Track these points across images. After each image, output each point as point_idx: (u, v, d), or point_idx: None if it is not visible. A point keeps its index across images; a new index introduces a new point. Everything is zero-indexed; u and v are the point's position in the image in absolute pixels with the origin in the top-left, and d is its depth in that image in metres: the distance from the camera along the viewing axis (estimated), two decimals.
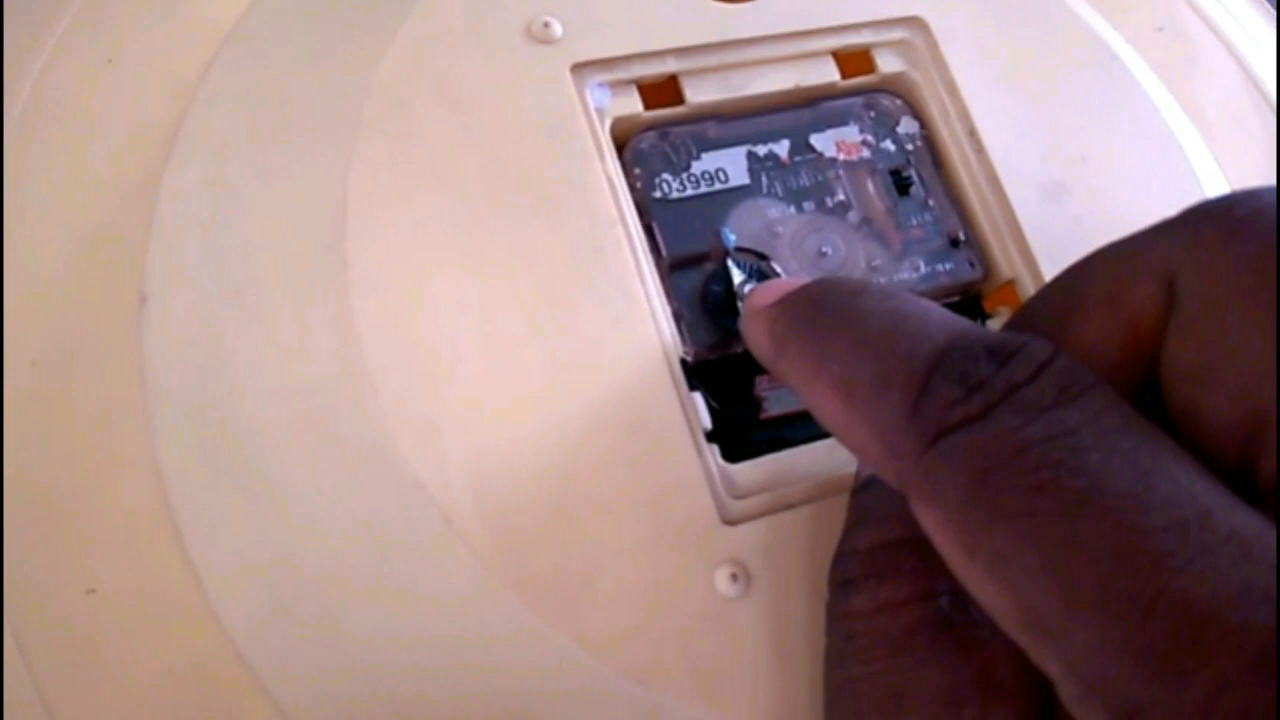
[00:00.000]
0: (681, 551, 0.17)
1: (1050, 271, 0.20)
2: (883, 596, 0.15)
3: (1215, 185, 0.22)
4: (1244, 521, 0.11)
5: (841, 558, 0.16)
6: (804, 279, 0.17)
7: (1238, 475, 0.13)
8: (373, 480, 0.17)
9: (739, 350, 0.19)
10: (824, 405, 0.15)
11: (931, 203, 0.21)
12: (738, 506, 0.17)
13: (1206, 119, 0.24)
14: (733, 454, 0.18)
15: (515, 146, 0.19)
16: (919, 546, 0.14)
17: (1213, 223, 0.14)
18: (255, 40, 0.20)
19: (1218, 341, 0.13)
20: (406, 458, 0.16)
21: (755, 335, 0.17)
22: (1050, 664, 0.12)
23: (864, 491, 0.16)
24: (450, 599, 0.16)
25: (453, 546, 0.16)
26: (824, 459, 0.18)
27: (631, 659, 0.16)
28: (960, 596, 0.14)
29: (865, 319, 0.14)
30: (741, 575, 0.17)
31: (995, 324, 0.20)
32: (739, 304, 0.19)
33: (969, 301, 0.21)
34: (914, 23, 0.22)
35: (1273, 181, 0.24)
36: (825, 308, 0.15)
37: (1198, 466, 0.12)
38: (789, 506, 0.18)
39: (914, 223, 0.21)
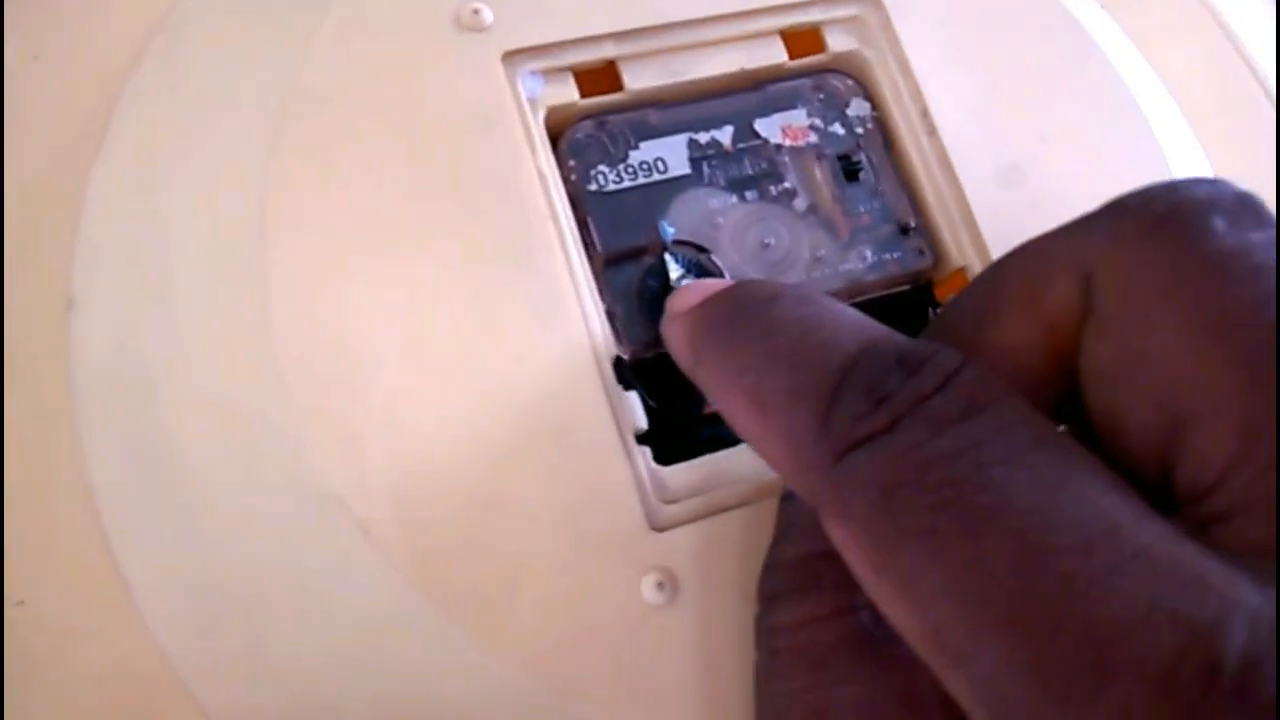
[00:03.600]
0: (608, 559, 0.17)
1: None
2: (805, 611, 0.15)
3: (1190, 165, 0.22)
4: (1153, 537, 0.11)
5: (768, 570, 0.16)
6: (726, 282, 0.17)
7: (1157, 482, 0.13)
8: (291, 491, 0.16)
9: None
10: (739, 417, 0.14)
11: (881, 189, 0.20)
12: (667, 512, 0.17)
13: (1190, 93, 0.23)
14: (673, 453, 0.18)
15: (443, 141, 0.18)
16: (838, 560, 0.14)
17: (1130, 218, 0.13)
18: (182, 34, 0.19)
19: (1135, 343, 0.12)
20: (324, 469, 0.16)
21: (674, 341, 0.16)
22: (959, 688, 0.12)
23: (789, 501, 0.16)
24: (369, 612, 0.16)
25: (371, 559, 0.16)
26: (759, 461, 0.18)
27: (554, 670, 0.16)
28: (879, 612, 0.14)
29: (778, 327, 0.14)
30: (669, 583, 0.17)
31: None
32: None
33: (920, 290, 0.20)
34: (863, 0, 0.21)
35: (1258, 158, 0.23)
36: (740, 315, 0.15)
37: (1110, 478, 0.12)
38: (722, 510, 0.17)
39: (862, 210, 0.20)
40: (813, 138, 0.20)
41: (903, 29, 0.21)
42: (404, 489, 0.16)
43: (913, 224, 0.20)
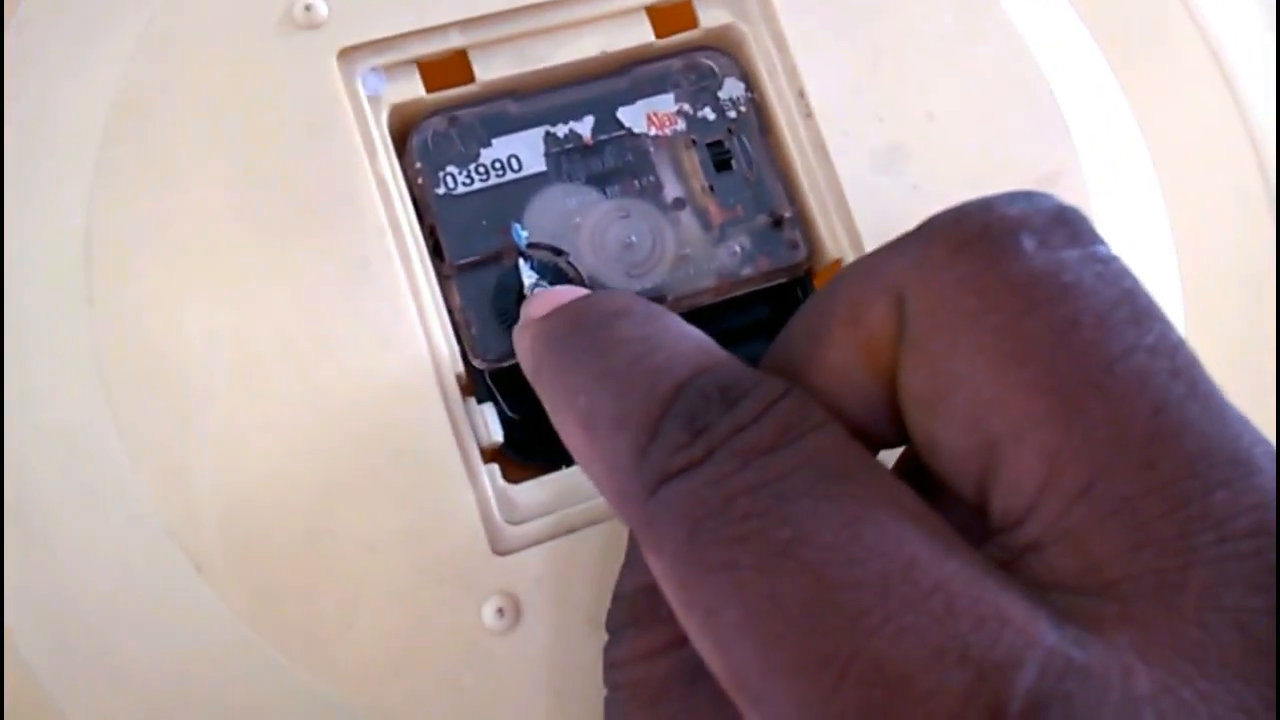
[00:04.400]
0: (447, 586, 0.16)
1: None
2: (642, 645, 0.14)
3: (1098, 139, 0.20)
4: (952, 571, 0.11)
5: (615, 602, 0.15)
6: (579, 291, 0.16)
7: (978, 509, 0.12)
8: (125, 524, 0.16)
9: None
10: (569, 438, 0.14)
11: (754, 177, 0.19)
12: (512, 534, 0.17)
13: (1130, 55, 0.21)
14: (533, 464, 0.18)
15: (276, 150, 0.17)
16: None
17: (939, 239, 0.12)
18: (11, 47, 0.18)
19: (944, 367, 0.12)
20: (154, 502, 0.16)
21: (520, 351, 0.16)
22: None
23: (631, 535, 0.16)
24: (205, 647, 0.16)
25: (203, 595, 0.16)
26: None
27: (392, 701, 0.16)
28: None
29: (615, 348, 0.14)
30: (510, 608, 0.16)
31: None
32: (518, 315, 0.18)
33: (799, 282, 0.19)
34: None
35: (1176, 112, 0.22)
36: (580, 331, 0.14)
37: (918, 510, 0.11)
38: (574, 530, 0.17)
39: (734, 201, 0.19)
40: (681, 125, 0.19)
41: (780, 1, 0.19)
42: (235, 522, 0.16)
43: (787, 215, 0.19)
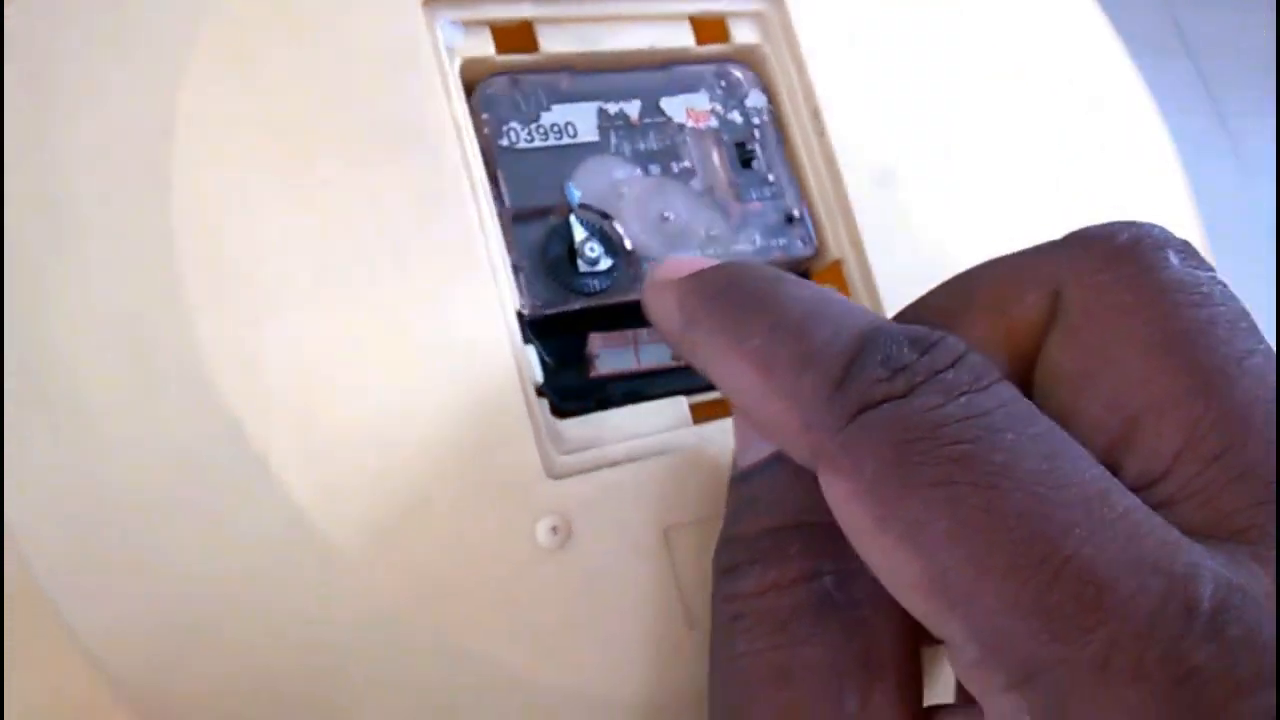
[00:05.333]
0: (505, 503, 0.17)
1: (874, 254, 0.21)
2: (771, 579, 0.15)
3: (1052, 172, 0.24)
4: (1133, 504, 0.13)
5: (727, 544, 0.16)
6: (710, 260, 0.17)
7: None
8: (186, 417, 0.16)
9: (575, 307, 0.19)
10: (740, 377, 0.15)
11: (771, 178, 0.21)
12: (563, 461, 0.18)
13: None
14: (559, 412, 0.19)
15: (360, 79, 0.18)
16: (803, 531, 0.15)
17: (1098, 247, 0.15)
18: None
19: (1097, 350, 0.14)
20: (224, 393, 0.16)
21: (662, 306, 0.17)
22: (953, 628, 0.13)
23: (744, 482, 0.17)
24: (260, 541, 0.16)
25: (266, 489, 0.16)
26: (647, 420, 0.19)
27: (448, 611, 0.16)
28: (842, 577, 0.15)
29: (788, 303, 0.15)
30: (562, 528, 0.17)
31: None
32: (579, 262, 0.19)
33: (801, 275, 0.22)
34: None
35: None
36: (744, 287, 0.16)
37: (1090, 455, 0.13)
38: (612, 464, 0.18)
39: (753, 196, 0.21)
40: (713, 122, 0.21)
41: (802, 29, 0.22)
42: (306, 419, 0.16)
43: (797, 214, 0.21)
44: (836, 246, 0.21)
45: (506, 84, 0.20)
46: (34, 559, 0.16)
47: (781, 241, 0.21)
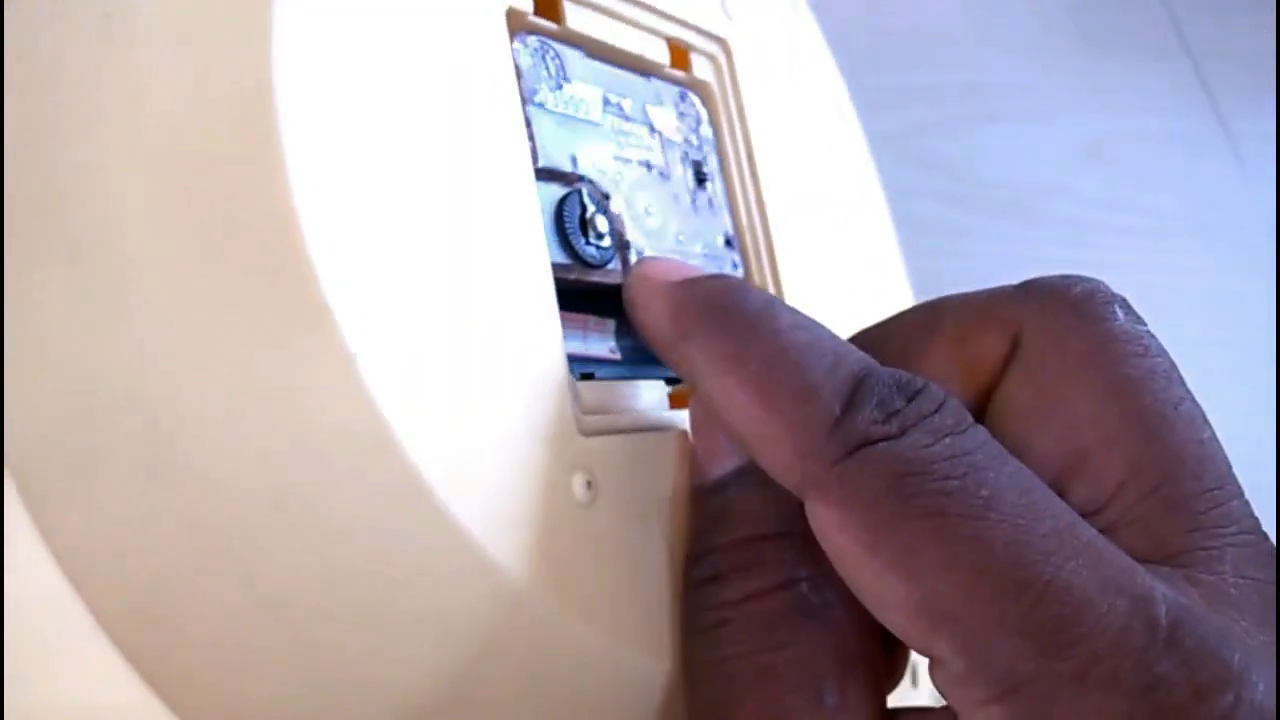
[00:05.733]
0: (549, 451, 0.16)
1: (788, 292, 0.23)
2: (752, 587, 0.16)
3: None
4: (1095, 533, 0.14)
5: (707, 554, 0.17)
6: (695, 267, 0.18)
7: None
8: (268, 281, 0.14)
9: (570, 278, 0.19)
10: (735, 399, 0.16)
11: (714, 203, 0.23)
12: (588, 421, 0.18)
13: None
14: None
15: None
16: (779, 540, 0.16)
17: (1055, 297, 0.17)
18: None
19: (1052, 389, 0.16)
20: (312, 263, 0.14)
21: (651, 311, 0.17)
22: (940, 646, 0.14)
23: (717, 493, 0.18)
24: (349, 453, 0.14)
25: (352, 392, 0.14)
26: (645, 395, 0.19)
27: (505, 546, 0.15)
28: (816, 581, 0.16)
29: (786, 331, 0.16)
30: (594, 485, 0.17)
31: None
32: (589, 233, 0.19)
33: None
34: (721, 43, 0.24)
35: None
36: (743, 308, 0.16)
37: (1052, 491, 0.15)
38: (620, 431, 0.18)
39: (704, 213, 0.23)
40: (679, 138, 0.23)
41: (745, 80, 0.24)
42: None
43: (733, 239, 0.23)
44: (760, 279, 0.23)
45: (539, 45, 0.20)
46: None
47: (718, 260, 0.23)
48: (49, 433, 0.13)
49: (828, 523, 0.14)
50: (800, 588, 0.16)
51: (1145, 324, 0.17)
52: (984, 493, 0.14)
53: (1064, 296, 0.17)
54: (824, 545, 0.15)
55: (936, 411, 0.15)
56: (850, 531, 0.14)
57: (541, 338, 0.17)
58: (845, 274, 0.25)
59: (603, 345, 0.20)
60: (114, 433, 0.13)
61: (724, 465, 0.18)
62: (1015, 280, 0.18)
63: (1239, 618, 0.14)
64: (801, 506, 0.15)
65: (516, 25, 0.19)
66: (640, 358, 0.20)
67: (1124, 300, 0.17)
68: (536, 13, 0.20)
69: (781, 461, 0.15)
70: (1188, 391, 0.16)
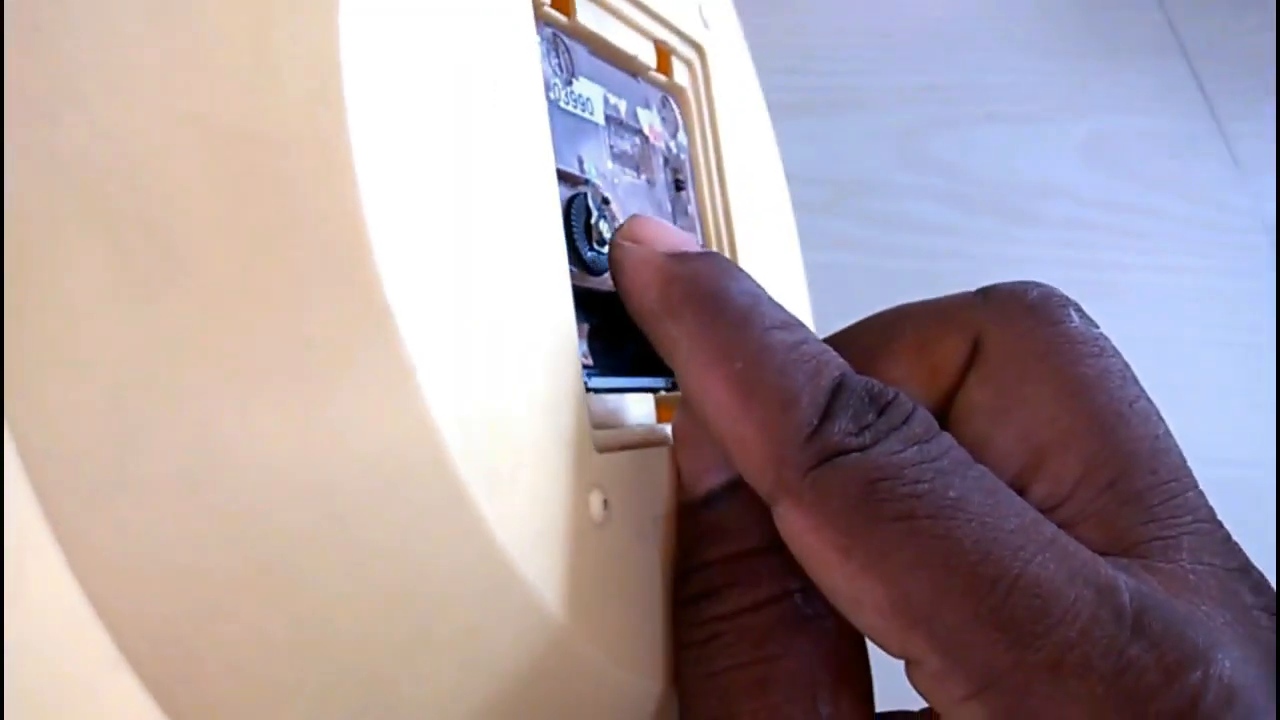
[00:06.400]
0: (573, 467, 0.16)
1: None
2: (746, 601, 0.16)
3: None
4: (1056, 529, 0.15)
5: (700, 569, 0.17)
6: (689, 236, 0.18)
7: None
8: (329, 279, 0.12)
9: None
10: (715, 393, 0.16)
11: (691, 210, 0.23)
12: (600, 436, 0.17)
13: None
14: None
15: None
16: (771, 554, 0.16)
17: (1013, 301, 0.18)
18: None
19: (1012, 390, 0.17)
20: (377, 264, 0.13)
21: (640, 278, 0.17)
22: (916, 645, 0.14)
23: (706, 508, 0.18)
24: (401, 469, 0.13)
25: (411, 407, 0.13)
26: (636, 408, 0.19)
27: (535, 560, 0.15)
28: (808, 593, 0.16)
29: (771, 331, 0.16)
30: (609, 503, 0.17)
31: None
32: (590, 241, 0.19)
33: None
34: (698, 49, 0.24)
35: None
36: (732, 299, 0.16)
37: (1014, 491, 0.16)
38: (626, 447, 0.18)
39: (681, 219, 0.23)
40: (662, 144, 0.22)
41: (719, 92, 0.24)
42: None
43: (703, 245, 0.23)
44: None
45: (553, 38, 0.19)
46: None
47: None
48: (76, 437, 0.12)
49: (798, 527, 0.15)
50: (794, 599, 0.16)
51: (1099, 327, 0.18)
52: (952, 494, 0.14)
53: (1021, 300, 0.17)
54: (794, 550, 0.15)
55: (905, 422, 0.15)
56: (821, 535, 0.14)
57: (564, 348, 0.16)
58: (790, 287, 0.25)
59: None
60: (152, 441, 0.12)
61: (711, 480, 0.18)
62: (1013, 280, 0.18)
63: (1199, 601, 0.15)
64: None
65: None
66: (608, 363, 0.20)
67: (1078, 304, 0.18)
68: (554, 4, 0.19)
69: (755, 464, 0.15)
70: (1142, 390, 0.17)
